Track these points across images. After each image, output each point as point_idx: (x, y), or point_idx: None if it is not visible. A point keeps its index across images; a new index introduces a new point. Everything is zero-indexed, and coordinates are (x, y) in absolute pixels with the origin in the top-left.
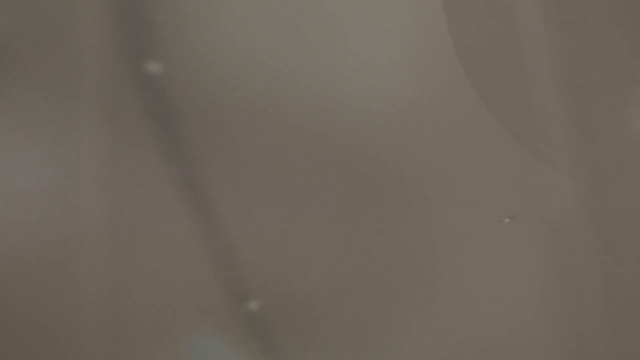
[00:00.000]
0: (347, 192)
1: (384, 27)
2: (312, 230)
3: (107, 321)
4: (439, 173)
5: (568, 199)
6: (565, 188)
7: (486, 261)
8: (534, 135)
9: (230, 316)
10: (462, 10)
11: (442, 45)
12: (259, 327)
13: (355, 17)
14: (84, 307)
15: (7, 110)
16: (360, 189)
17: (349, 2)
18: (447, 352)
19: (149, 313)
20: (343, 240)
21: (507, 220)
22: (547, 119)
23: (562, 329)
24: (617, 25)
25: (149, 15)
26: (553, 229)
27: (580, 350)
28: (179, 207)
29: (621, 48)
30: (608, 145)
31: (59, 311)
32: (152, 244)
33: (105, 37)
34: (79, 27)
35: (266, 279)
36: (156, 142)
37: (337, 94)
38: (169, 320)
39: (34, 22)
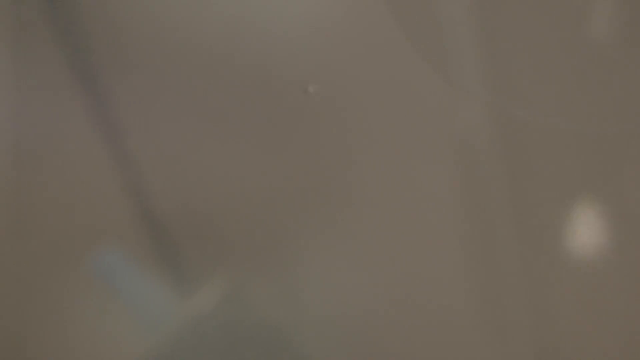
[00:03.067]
0: (257, 111)
1: None
2: (221, 149)
3: (15, 245)
4: (353, 96)
5: (479, 123)
6: (477, 113)
7: (397, 181)
8: (448, 62)
9: (138, 234)
10: None
11: None
12: (166, 244)
13: None
14: None
15: None
16: (271, 109)
17: None
18: (353, 269)
19: (57, 232)
20: (253, 158)
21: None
22: (462, 46)
23: (473, 249)
24: None
25: None
26: (464, 151)
27: (488, 266)
28: (86, 124)
29: None
30: (520, 74)
31: None
32: (57, 162)
33: None
34: None
35: (174, 195)
36: (63, 59)
37: (250, 16)
38: (77, 238)
39: None
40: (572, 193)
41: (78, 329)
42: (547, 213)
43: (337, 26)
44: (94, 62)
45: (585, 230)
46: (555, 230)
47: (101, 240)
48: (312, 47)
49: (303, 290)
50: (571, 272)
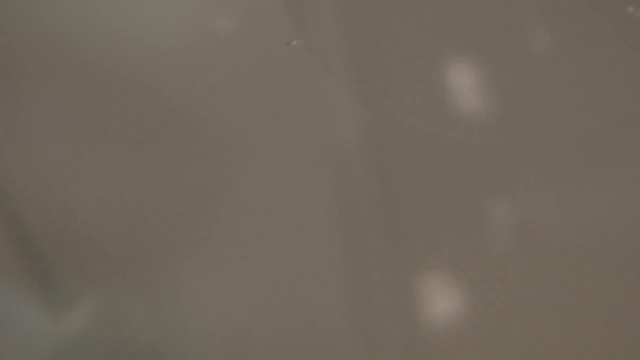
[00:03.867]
0: (130, 123)
1: None
2: (93, 162)
3: None
4: (227, 108)
5: (356, 133)
6: (356, 119)
7: (271, 195)
8: (323, 70)
9: (7, 250)
10: None
11: None
12: (37, 260)
13: None
14: None
15: None
16: (144, 121)
17: None
18: (229, 285)
19: None
20: (125, 171)
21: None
22: (341, 53)
23: (349, 261)
24: None
25: None
26: (339, 163)
27: (363, 279)
28: None
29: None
30: (398, 81)
31: None
32: None
33: None
34: None
35: (44, 209)
36: None
37: (131, 32)
38: None
39: None
40: (448, 204)
41: None
42: (421, 224)
43: (212, 40)
44: None
45: (459, 241)
46: (427, 240)
47: None
48: (185, 59)
49: (178, 306)
50: (439, 279)
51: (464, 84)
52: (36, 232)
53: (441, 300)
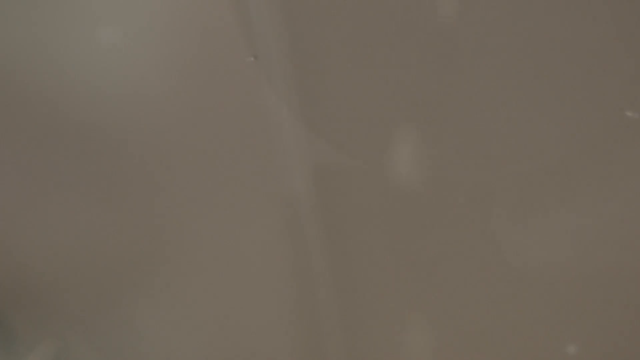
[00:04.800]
0: (86, 168)
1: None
2: (48, 207)
3: None
4: (179, 154)
5: (306, 183)
6: (306, 167)
7: (228, 243)
8: (270, 120)
9: None
10: None
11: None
12: None
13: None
14: None
15: None
16: (102, 166)
17: None
18: (186, 338)
19: None
20: (82, 217)
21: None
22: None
23: (299, 308)
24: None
25: None
26: (291, 212)
27: (313, 326)
28: None
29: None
30: (350, 125)
31: None
32: None
33: None
34: None
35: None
36: None
37: (83, 78)
38: None
39: None
40: (394, 246)
41: None
42: (380, 269)
43: (163, 90)
44: None
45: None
46: (376, 287)
47: None
48: (138, 101)
49: (134, 353)
50: (398, 326)
51: (427, 122)
52: None
53: (400, 346)
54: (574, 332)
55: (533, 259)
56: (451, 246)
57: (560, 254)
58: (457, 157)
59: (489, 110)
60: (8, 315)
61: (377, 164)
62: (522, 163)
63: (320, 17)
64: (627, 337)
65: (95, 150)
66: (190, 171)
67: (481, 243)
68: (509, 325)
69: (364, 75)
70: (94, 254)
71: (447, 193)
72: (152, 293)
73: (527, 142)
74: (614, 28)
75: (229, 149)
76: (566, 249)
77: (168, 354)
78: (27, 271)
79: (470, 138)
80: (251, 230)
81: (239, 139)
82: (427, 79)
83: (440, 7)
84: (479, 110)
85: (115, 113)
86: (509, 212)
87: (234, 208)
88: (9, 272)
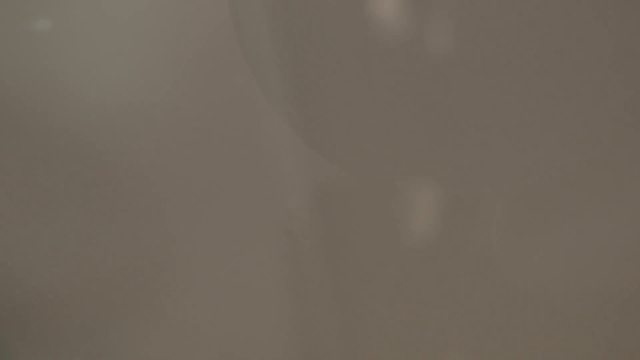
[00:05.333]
0: (82, 193)
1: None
2: (42, 232)
3: None
4: (176, 174)
5: (303, 206)
6: (306, 185)
7: (221, 267)
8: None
9: None
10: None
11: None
12: None
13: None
14: None
15: None
16: (95, 190)
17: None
18: (185, 353)
19: None
20: (77, 242)
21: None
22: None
23: (297, 333)
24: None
25: None
26: (288, 236)
27: (312, 349)
28: None
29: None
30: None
31: None
32: None
33: None
34: None
35: None
36: None
37: (76, 93)
38: None
39: None
40: (393, 264)
41: None
42: (369, 297)
43: (155, 113)
44: None
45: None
46: (374, 305)
47: None
48: (133, 126)
49: None
50: (394, 347)
51: (428, 139)
52: None
53: None
54: (574, 348)
55: (533, 277)
56: (451, 263)
57: (561, 272)
58: (458, 173)
59: (489, 130)
60: (4, 336)
61: (377, 183)
62: (522, 182)
63: (324, 39)
64: (627, 353)
65: (92, 173)
66: (189, 189)
67: (481, 261)
68: (510, 342)
69: (366, 101)
70: (92, 275)
71: (448, 210)
72: (149, 314)
73: (527, 163)
74: (613, 57)
75: (230, 167)
76: (567, 267)
77: None
78: (25, 296)
79: (470, 153)
80: (251, 250)
81: (240, 158)
82: (429, 98)
83: (444, 30)
84: (478, 127)
85: (111, 136)
86: (508, 230)
87: (234, 226)
88: (4, 293)
